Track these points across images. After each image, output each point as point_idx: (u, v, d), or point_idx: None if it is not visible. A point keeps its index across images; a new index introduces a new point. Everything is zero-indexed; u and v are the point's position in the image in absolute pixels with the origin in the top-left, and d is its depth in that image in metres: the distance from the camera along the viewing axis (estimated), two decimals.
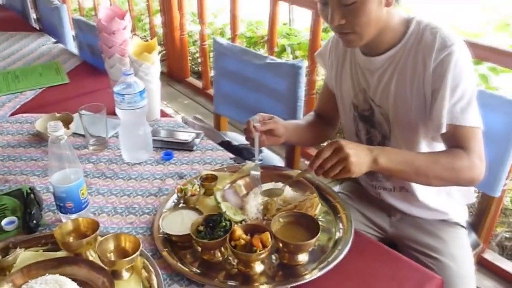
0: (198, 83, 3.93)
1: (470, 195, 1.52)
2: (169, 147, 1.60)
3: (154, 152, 1.58)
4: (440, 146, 1.32)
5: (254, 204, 1.26)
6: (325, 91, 1.57)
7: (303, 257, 1.13)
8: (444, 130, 1.21)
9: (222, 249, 1.14)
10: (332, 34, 1.46)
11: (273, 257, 1.13)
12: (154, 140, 1.59)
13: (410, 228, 1.48)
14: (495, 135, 1.30)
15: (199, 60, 3.92)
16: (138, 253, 1.06)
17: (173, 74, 4.06)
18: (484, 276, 2.19)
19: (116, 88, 1.43)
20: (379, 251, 1.19)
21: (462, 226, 1.50)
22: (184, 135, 1.64)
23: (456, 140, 1.23)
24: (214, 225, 1.14)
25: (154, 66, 1.68)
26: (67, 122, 1.66)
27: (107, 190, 1.41)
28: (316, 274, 1.08)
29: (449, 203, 1.46)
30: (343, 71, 1.42)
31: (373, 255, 1.17)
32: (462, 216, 1.50)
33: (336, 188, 1.68)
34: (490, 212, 1.64)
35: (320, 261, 1.13)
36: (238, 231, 1.09)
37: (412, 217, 1.48)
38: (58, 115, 1.73)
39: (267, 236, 1.07)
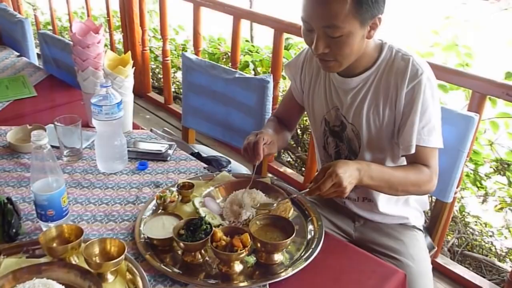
0: (160, 98, 3.97)
1: (424, 202, 1.66)
2: (143, 157, 1.65)
3: (129, 162, 1.63)
4: (402, 161, 1.45)
5: (247, 212, 1.34)
6: (289, 99, 1.66)
7: (278, 257, 1.21)
8: (413, 151, 1.35)
9: (203, 251, 1.21)
10: (302, 47, 1.57)
11: (251, 258, 1.20)
12: (128, 151, 1.64)
13: (372, 232, 1.59)
14: (446, 145, 1.44)
15: (160, 75, 3.97)
16: (123, 255, 1.11)
17: (135, 89, 4.07)
18: (436, 279, 2.34)
19: (93, 100, 1.48)
20: (347, 250, 1.29)
21: (420, 229, 1.63)
22: (158, 146, 1.69)
23: (419, 158, 1.38)
24: (195, 228, 1.20)
25: (128, 79, 1.73)
26: None
27: (85, 199, 1.44)
28: (291, 272, 1.16)
29: (407, 209, 1.60)
30: (316, 87, 1.53)
31: (342, 253, 1.27)
32: (419, 220, 1.64)
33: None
34: (443, 216, 1.78)
35: (295, 260, 1.21)
36: (219, 233, 1.16)
37: (374, 222, 1.60)
38: (29, 127, 1.74)
39: (246, 236, 1.15)
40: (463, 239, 2.72)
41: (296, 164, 3.28)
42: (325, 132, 1.54)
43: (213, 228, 1.18)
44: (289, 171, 3.07)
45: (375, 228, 1.59)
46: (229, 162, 2.06)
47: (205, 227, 1.20)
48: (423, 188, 1.37)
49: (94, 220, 1.35)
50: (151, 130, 1.98)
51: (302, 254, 1.23)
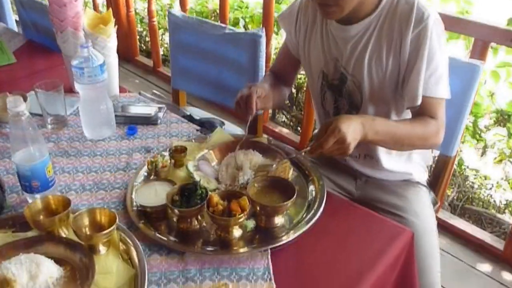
0: (149, 62, 3.84)
1: (428, 157, 1.60)
2: (132, 122, 1.57)
3: (117, 128, 1.54)
4: (407, 114, 1.37)
5: (245, 176, 1.27)
6: (284, 53, 1.57)
7: (279, 220, 1.15)
8: (419, 102, 1.26)
9: (199, 217, 1.14)
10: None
11: (251, 222, 1.14)
12: (116, 116, 1.55)
13: (375, 190, 1.53)
14: (451, 97, 1.36)
15: (147, 39, 3.83)
16: (115, 225, 1.04)
17: (121, 54, 3.93)
18: (438, 234, 2.31)
19: (74, 62, 1.38)
20: (351, 210, 1.23)
21: (423, 185, 1.58)
22: (147, 109, 1.60)
23: (426, 110, 1.29)
24: (189, 194, 1.13)
25: (110, 39, 1.62)
26: None
27: (72, 168, 1.36)
28: (292, 235, 1.10)
29: (410, 165, 1.53)
30: (312, 38, 1.43)
31: (346, 214, 1.21)
32: (422, 175, 1.58)
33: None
34: (446, 171, 1.73)
35: (296, 223, 1.15)
36: (215, 198, 1.10)
37: (377, 179, 1.53)
38: (9, 94, 1.64)
39: (245, 200, 1.08)
40: (463, 193, 2.69)
41: (292, 124, 3.21)
42: (323, 87, 1.45)
43: (209, 193, 1.11)
44: (285, 131, 3.00)
45: (377, 186, 1.53)
46: (223, 124, 1.99)
47: (200, 192, 1.12)
48: (430, 141, 1.30)
49: (83, 190, 1.28)
50: (139, 94, 1.89)
51: (304, 216, 1.17)
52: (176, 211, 1.09)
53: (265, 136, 1.44)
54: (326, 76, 1.43)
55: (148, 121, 1.57)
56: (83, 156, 1.41)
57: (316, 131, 1.76)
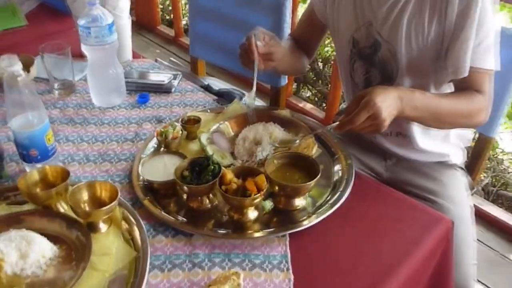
0: (170, 31, 3.71)
1: (467, 137, 1.44)
2: (144, 89, 1.45)
3: (127, 95, 1.43)
4: (447, 88, 1.22)
5: (264, 151, 1.14)
6: (309, 17, 1.40)
7: (300, 202, 1.02)
8: (465, 74, 1.11)
9: (211, 195, 1.03)
10: None
11: (268, 203, 1.01)
12: (127, 82, 1.43)
13: (406, 171, 1.39)
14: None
15: (170, 8, 3.70)
16: (116, 201, 0.94)
17: (142, 23, 3.82)
18: None
19: (81, 22, 1.26)
20: (382, 193, 1.09)
21: (460, 168, 1.43)
22: (160, 76, 1.48)
23: (472, 83, 1.13)
24: (200, 169, 1.02)
25: None
26: (27, 65, 1.48)
27: (77, 136, 1.26)
28: (315, 220, 0.98)
29: (447, 145, 1.38)
30: (343, 1, 1.27)
31: (376, 197, 1.08)
32: (460, 158, 1.42)
33: None
34: (485, 153, 1.56)
35: (319, 206, 1.03)
36: (229, 175, 0.97)
37: (408, 160, 1.39)
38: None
39: (262, 178, 0.95)
40: (497, 178, 2.51)
41: (317, 99, 3.05)
42: (353, 56, 1.30)
43: (222, 169, 0.99)
44: (309, 106, 2.85)
45: (409, 167, 1.39)
46: (243, 95, 1.85)
47: (212, 167, 1.00)
48: (475, 119, 1.15)
49: (86, 161, 1.17)
50: (155, 61, 1.77)
51: (328, 198, 1.04)
52: (185, 187, 0.98)
53: (286, 110, 1.30)
54: (356, 43, 1.27)
55: (161, 89, 1.45)
56: (90, 125, 1.30)
57: (342, 105, 1.62)
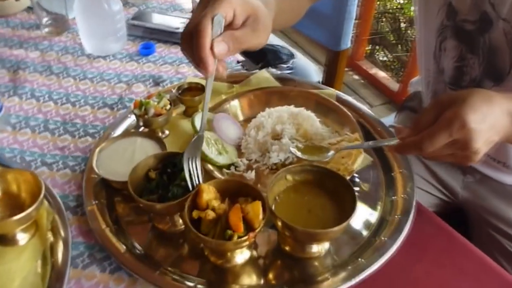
0: None
1: None
2: (152, 37, 1.10)
3: (130, 42, 1.09)
4: None
5: (281, 152, 0.77)
6: None
7: (319, 248, 0.65)
8: None
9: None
10: None
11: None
12: (132, 25, 1.09)
13: (490, 194, 0.95)
14: None
15: None
16: (34, 206, 0.61)
17: None
18: None
19: None
20: (452, 242, 0.69)
21: None
22: (176, 22, 1.12)
23: None
24: (174, 172, 0.66)
25: None
26: None
27: (45, 92, 0.94)
28: (341, 284, 0.60)
29: None
30: None
31: (441, 249, 0.68)
32: None
33: (389, 120, 1.14)
34: None
35: (350, 258, 0.65)
36: (208, 193, 0.61)
37: (497, 182, 0.95)
38: None
39: (256, 207, 0.58)
40: None
41: (393, 67, 2.56)
42: (444, 30, 0.84)
43: (200, 183, 0.63)
44: (381, 74, 2.38)
45: (495, 189, 0.95)
46: (292, 56, 1.46)
47: (191, 171, 0.65)
48: None
49: (43, 129, 0.85)
50: None
51: (369, 239, 0.66)
52: (139, 201, 0.63)
53: (332, 90, 0.90)
54: (454, 13, 0.81)
55: (172, 38, 1.09)
56: (68, 77, 0.98)
57: (410, 89, 1.16)
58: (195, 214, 0.60)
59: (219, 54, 0.57)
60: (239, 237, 0.57)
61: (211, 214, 0.59)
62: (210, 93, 0.62)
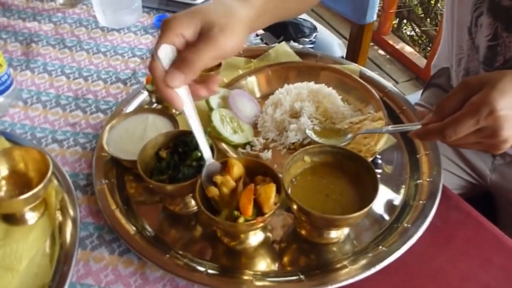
0: None
1: None
2: (167, 8, 1.06)
3: (145, 14, 1.05)
4: None
5: (299, 132, 0.72)
6: None
7: (338, 233, 0.61)
8: None
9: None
10: None
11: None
12: None
13: None
14: None
15: None
16: (42, 185, 0.59)
17: None
18: None
19: None
20: (479, 230, 0.65)
21: None
22: None
23: None
24: (185, 151, 0.63)
25: None
26: None
27: (58, 66, 0.91)
28: (360, 272, 0.57)
29: None
30: None
31: (470, 235, 0.63)
32: None
33: (415, 98, 1.08)
34: None
35: (373, 243, 0.61)
36: (239, 168, 0.58)
37: None
38: None
39: (269, 190, 0.55)
40: None
41: (420, 42, 2.46)
42: (480, 5, 0.78)
43: (210, 158, 0.60)
44: (408, 49, 2.30)
45: None
46: (315, 30, 1.41)
47: (199, 154, 0.61)
48: None
49: (55, 105, 0.83)
50: None
51: (391, 225, 0.62)
52: (150, 182, 0.60)
53: (355, 66, 0.84)
54: None
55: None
56: (81, 51, 0.95)
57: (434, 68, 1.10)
58: (211, 191, 0.56)
59: (175, 84, 0.50)
60: (247, 220, 0.54)
61: (225, 190, 0.55)
62: (199, 123, 0.56)
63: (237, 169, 0.58)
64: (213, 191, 0.55)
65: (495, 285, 0.58)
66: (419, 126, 0.56)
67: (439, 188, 0.65)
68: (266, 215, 0.54)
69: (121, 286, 0.57)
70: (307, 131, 0.68)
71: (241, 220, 0.53)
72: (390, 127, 0.66)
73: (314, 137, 0.68)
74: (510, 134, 0.51)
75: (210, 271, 0.57)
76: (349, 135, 0.67)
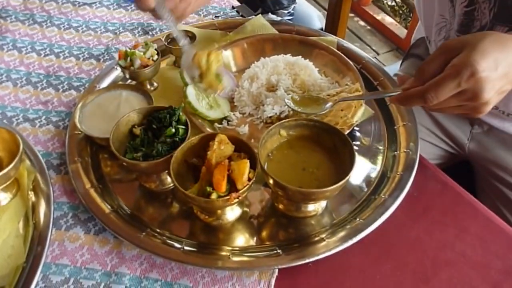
0: None
1: None
2: None
3: None
4: None
5: (276, 105, 0.71)
6: None
7: (316, 206, 0.61)
8: None
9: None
10: None
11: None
12: None
13: (497, 145, 0.90)
14: None
15: None
16: (12, 165, 0.58)
17: None
18: None
19: None
20: (456, 200, 0.65)
21: None
22: None
23: None
24: (159, 127, 0.62)
25: None
26: None
27: (28, 43, 0.89)
28: (339, 246, 0.57)
29: None
30: None
31: (447, 205, 0.64)
32: None
33: (394, 69, 1.08)
34: None
35: (353, 212, 0.61)
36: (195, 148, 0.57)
37: (506, 133, 0.90)
38: None
39: (242, 166, 0.54)
40: None
41: (401, 12, 2.45)
42: None
43: (188, 134, 0.59)
44: (388, 20, 2.28)
45: (504, 141, 0.90)
46: (293, 1, 1.38)
47: (173, 130, 0.61)
48: None
49: (26, 82, 0.81)
50: None
51: (368, 196, 0.63)
52: (124, 160, 0.59)
53: (333, 38, 0.83)
54: None
55: None
56: (51, 27, 0.92)
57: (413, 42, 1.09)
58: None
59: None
60: (220, 196, 0.53)
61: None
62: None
63: (229, 146, 0.57)
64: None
65: (471, 253, 0.58)
66: (400, 92, 0.56)
67: (416, 159, 0.65)
68: (241, 191, 0.53)
69: (97, 265, 0.57)
70: (286, 100, 0.67)
71: (213, 196, 0.53)
72: (371, 94, 0.65)
73: (293, 106, 0.67)
74: (491, 96, 0.51)
75: (187, 248, 0.57)
76: (329, 104, 0.66)
